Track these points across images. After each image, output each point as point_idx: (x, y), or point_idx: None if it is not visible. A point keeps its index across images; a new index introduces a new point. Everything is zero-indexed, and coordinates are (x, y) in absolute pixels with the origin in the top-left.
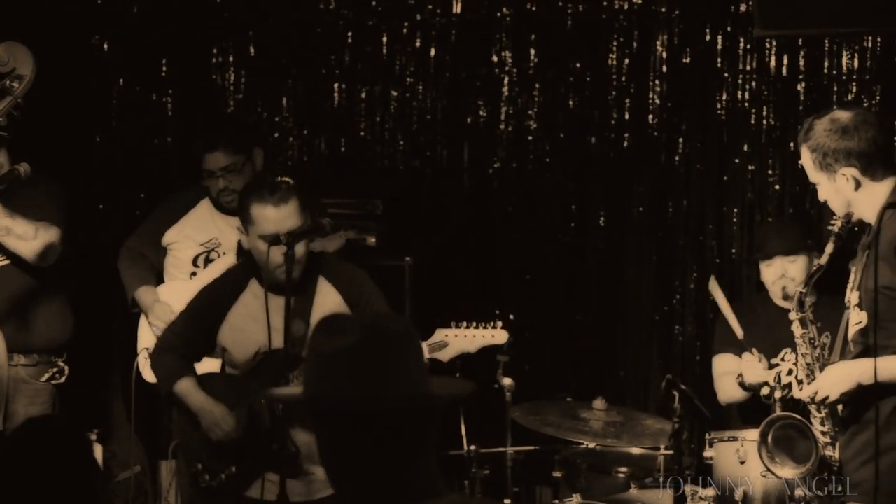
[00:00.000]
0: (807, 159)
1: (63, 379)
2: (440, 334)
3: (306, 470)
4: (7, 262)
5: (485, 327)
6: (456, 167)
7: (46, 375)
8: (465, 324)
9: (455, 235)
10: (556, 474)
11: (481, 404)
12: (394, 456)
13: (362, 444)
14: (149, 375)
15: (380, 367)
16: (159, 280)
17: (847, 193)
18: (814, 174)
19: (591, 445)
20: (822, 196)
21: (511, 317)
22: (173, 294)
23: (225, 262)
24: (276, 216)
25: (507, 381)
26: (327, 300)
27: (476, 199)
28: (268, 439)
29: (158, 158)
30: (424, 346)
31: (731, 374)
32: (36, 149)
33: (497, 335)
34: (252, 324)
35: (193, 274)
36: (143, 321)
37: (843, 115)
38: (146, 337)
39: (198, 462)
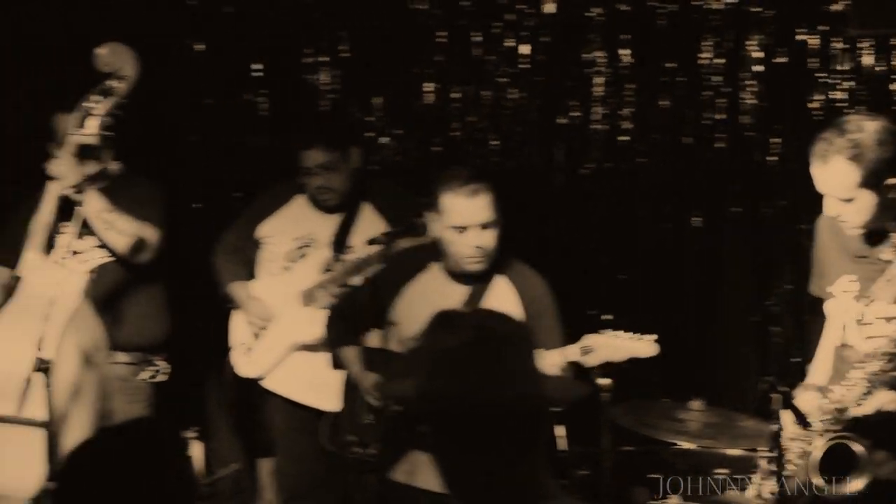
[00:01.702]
0: (848, 174)
1: (162, 377)
2: (588, 339)
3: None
4: (109, 258)
5: (634, 336)
6: (548, 167)
7: (145, 374)
8: (611, 330)
9: (547, 236)
10: (654, 475)
11: (578, 404)
12: (504, 455)
13: (472, 443)
14: (243, 370)
15: (490, 365)
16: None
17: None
18: (853, 191)
19: (689, 446)
20: (854, 215)
21: (605, 318)
22: (265, 289)
23: (318, 257)
24: (469, 206)
25: (604, 382)
26: (500, 299)
27: (569, 200)
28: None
29: (251, 158)
30: (572, 348)
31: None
32: (130, 149)
33: (644, 347)
34: (425, 306)
35: (286, 269)
36: (235, 316)
37: (883, 123)
38: (239, 332)
39: (351, 434)
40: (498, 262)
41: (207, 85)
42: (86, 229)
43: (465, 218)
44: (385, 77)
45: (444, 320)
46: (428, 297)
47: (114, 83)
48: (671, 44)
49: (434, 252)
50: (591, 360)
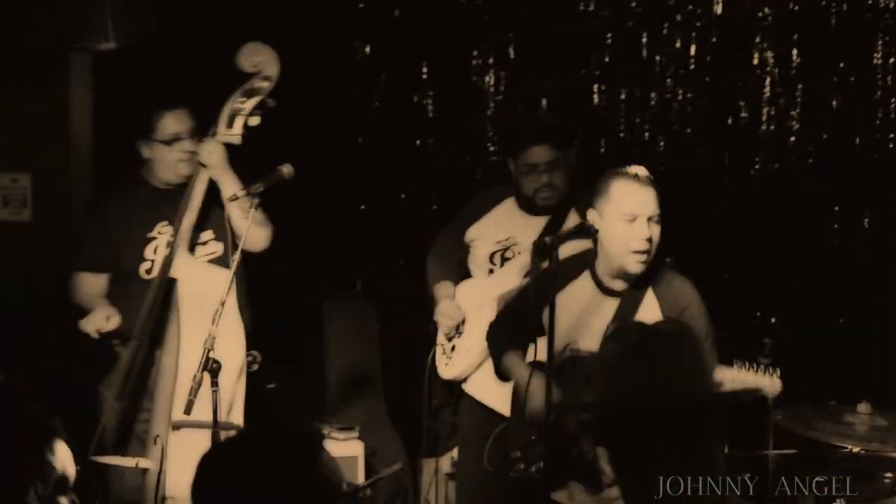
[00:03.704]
0: None
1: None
2: (718, 373)
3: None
4: (220, 254)
5: (762, 373)
6: (717, 168)
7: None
8: (743, 365)
9: (716, 237)
10: (820, 479)
11: (743, 407)
12: (681, 459)
13: (646, 446)
14: (443, 371)
15: (654, 367)
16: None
17: None
18: None
19: (856, 450)
20: None
21: (773, 319)
22: (468, 291)
23: (520, 261)
24: (640, 195)
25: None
26: (649, 313)
27: (737, 201)
28: (570, 442)
29: (419, 159)
30: None
31: None
32: (299, 151)
33: (770, 384)
34: (571, 316)
35: (491, 272)
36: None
37: None
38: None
39: (518, 449)
40: (650, 273)
41: (376, 86)
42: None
43: (636, 206)
44: (553, 79)
45: (614, 331)
46: (574, 307)
47: (258, 83)
48: (843, 43)
49: (586, 262)
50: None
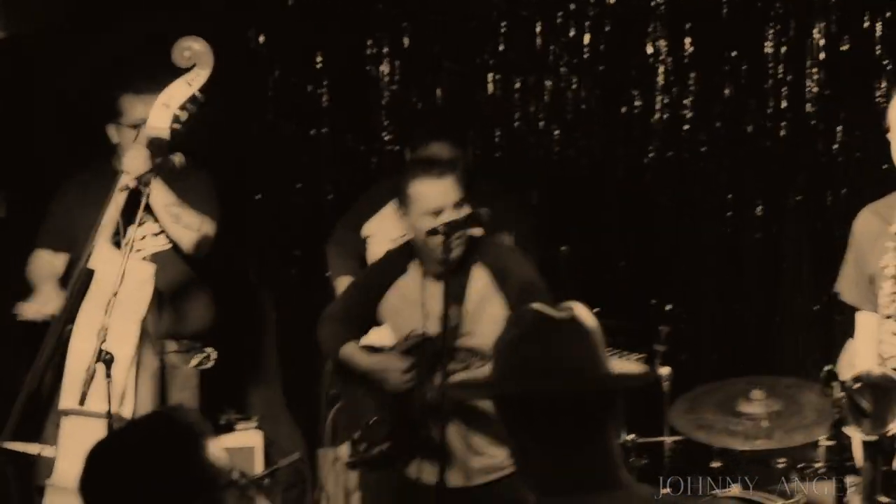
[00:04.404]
0: None
1: (209, 364)
2: None
3: (461, 459)
4: (169, 246)
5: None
6: (610, 157)
7: (194, 361)
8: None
9: (610, 225)
10: (715, 464)
11: (638, 394)
12: (572, 441)
13: (542, 430)
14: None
15: (551, 353)
16: None
17: None
18: None
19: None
20: None
21: (667, 306)
22: None
23: None
24: (437, 190)
25: (664, 371)
26: (479, 284)
27: (631, 190)
28: (416, 425)
29: (314, 149)
30: None
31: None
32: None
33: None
34: (407, 306)
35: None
36: None
37: None
38: None
39: (357, 431)
40: (471, 250)
41: (270, 76)
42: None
43: (438, 200)
44: (447, 68)
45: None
46: (409, 296)
47: (191, 78)
48: (734, 32)
49: (410, 255)
50: None
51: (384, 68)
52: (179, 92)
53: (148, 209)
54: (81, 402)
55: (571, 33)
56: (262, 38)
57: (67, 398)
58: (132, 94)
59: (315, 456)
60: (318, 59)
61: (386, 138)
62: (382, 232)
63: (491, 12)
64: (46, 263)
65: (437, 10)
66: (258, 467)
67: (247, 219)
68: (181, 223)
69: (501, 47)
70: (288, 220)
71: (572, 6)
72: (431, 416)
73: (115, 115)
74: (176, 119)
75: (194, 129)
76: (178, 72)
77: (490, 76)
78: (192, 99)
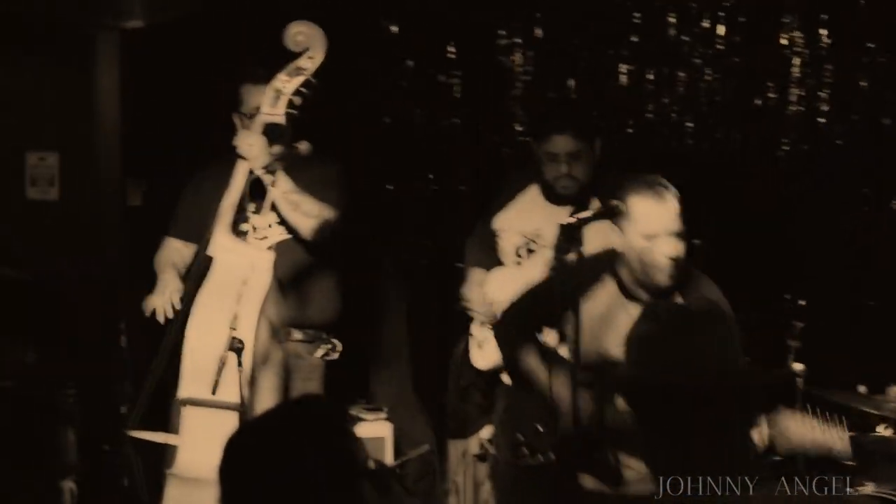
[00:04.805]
0: None
1: (335, 355)
2: (780, 421)
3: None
4: (287, 236)
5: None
6: (745, 150)
7: (319, 352)
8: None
9: (744, 219)
10: (849, 462)
11: (772, 389)
12: (706, 433)
13: (675, 422)
14: (476, 362)
15: (689, 346)
16: None
17: None
18: None
19: (887, 432)
20: None
21: (802, 302)
22: (498, 280)
23: (545, 253)
24: (659, 211)
25: (798, 367)
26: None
27: (765, 183)
28: (589, 445)
29: (446, 140)
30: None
31: None
32: (324, 129)
33: (841, 444)
34: (600, 324)
35: (518, 263)
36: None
37: None
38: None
39: (522, 434)
40: (679, 279)
41: (401, 66)
42: (265, 207)
43: (656, 226)
44: (580, 59)
45: (647, 308)
46: (602, 314)
47: (303, 63)
48: (871, 23)
49: (609, 264)
50: (779, 446)
51: (517, 59)
52: (292, 76)
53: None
54: (213, 391)
55: (706, 24)
56: (395, 28)
57: (187, 387)
58: (250, 83)
59: (445, 447)
60: (451, 49)
61: (518, 129)
62: (512, 227)
63: (625, 2)
64: (175, 252)
65: (570, 1)
66: (388, 458)
67: (379, 209)
68: (300, 211)
69: (635, 38)
70: (420, 211)
71: None
72: (607, 439)
73: (237, 104)
74: (291, 104)
75: (322, 117)
76: (291, 57)
77: (623, 67)
78: (307, 84)
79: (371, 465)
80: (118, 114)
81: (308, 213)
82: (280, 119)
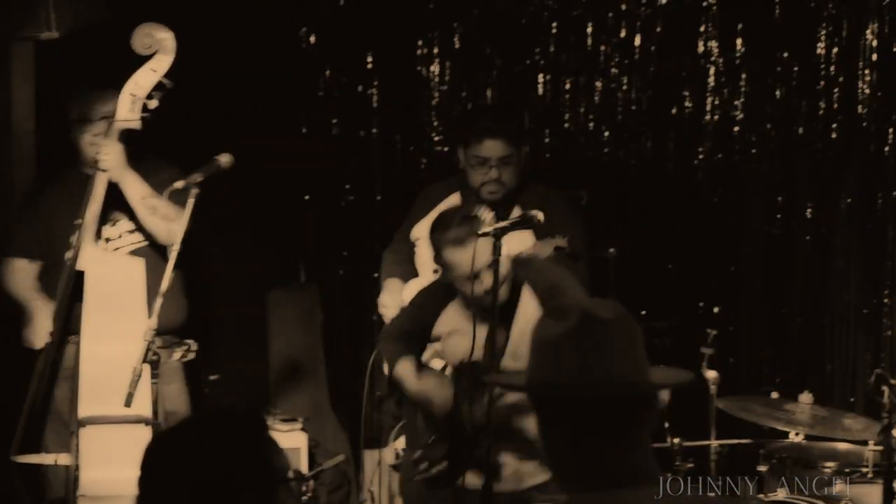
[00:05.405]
0: None
1: (191, 356)
2: None
3: (513, 466)
4: (145, 243)
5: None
6: (660, 158)
7: (176, 354)
8: None
9: (659, 227)
10: (761, 468)
11: (685, 397)
12: (610, 441)
13: (579, 429)
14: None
15: (596, 352)
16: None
17: None
18: None
19: (798, 438)
20: None
21: (716, 309)
22: (412, 293)
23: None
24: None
25: (711, 374)
26: (529, 307)
27: (681, 191)
28: (469, 445)
29: (363, 149)
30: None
31: None
32: (242, 140)
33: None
34: (459, 329)
35: (435, 271)
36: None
37: None
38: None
39: (418, 449)
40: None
41: (321, 76)
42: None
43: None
44: (497, 68)
45: (555, 311)
46: (460, 320)
47: (153, 65)
48: (785, 32)
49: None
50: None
51: (434, 69)
52: (145, 80)
53: (122, 204)
54: (128, 403)
55: (622, 33)
56: (312, 38)
57: (87, 406)
58: (96, 89)
59: (360, 457)
60: (369, 59)
61: (436, 139)
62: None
63: (542, 12)
64: (22, 273)
65: (488, 10)
66: (303, 468)
67: (296, 219)
68: (158, 214)
69: (552, 48)
70: (336, 221)
71: (623, 6)
72: (482, 435)
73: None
74: (145, 108)
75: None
76: (141, 60)
77: (540, 77)
78: (159, 86)
79: (289, 473)
80: (33, 125)
81: (165, 217)
82: (136, 125)
